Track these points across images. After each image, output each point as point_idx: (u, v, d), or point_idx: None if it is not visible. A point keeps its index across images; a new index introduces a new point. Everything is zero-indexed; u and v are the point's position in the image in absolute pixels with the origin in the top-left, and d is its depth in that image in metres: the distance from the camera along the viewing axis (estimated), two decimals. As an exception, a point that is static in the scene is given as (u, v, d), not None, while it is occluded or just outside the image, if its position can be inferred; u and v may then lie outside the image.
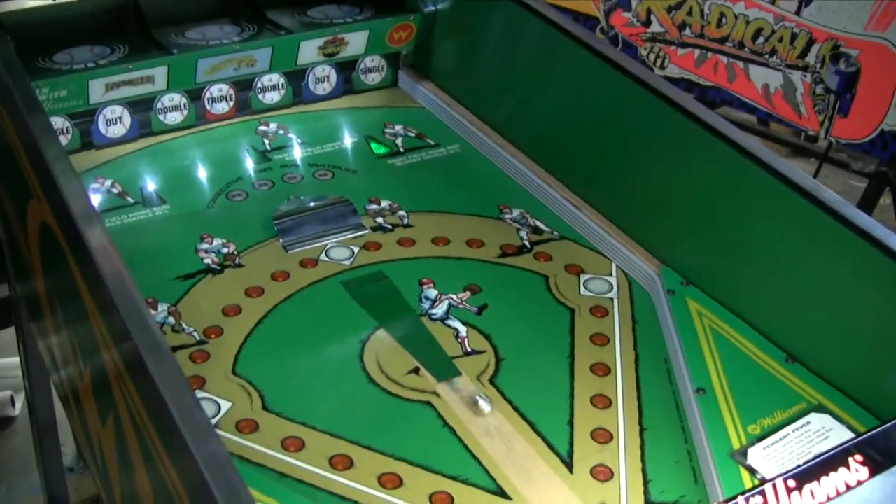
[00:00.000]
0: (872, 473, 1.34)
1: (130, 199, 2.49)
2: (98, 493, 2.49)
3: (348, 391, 1.97)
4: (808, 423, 1.84)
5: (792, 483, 1.31)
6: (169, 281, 2.20)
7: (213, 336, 2.06)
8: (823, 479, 1.33)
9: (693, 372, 1.95)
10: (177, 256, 2.29)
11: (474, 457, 1.80)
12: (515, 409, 1.90)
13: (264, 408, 1.89)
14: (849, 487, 1.32)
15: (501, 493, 1.73)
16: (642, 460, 1.81)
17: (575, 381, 1.98)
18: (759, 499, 1.28)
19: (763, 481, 1.35)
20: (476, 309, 2.15)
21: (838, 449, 1.39)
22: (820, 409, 1.88)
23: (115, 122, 2.69)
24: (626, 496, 1.74)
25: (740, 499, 1.29)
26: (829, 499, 1.30)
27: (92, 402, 1.85)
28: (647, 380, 1.99)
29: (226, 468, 1.30)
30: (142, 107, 2.72)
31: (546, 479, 1.77)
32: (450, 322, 2.11)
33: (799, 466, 1.35)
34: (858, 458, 1.36)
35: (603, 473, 1.78)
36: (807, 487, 1.31)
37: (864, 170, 3.87)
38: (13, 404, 3.82)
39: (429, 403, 1.92)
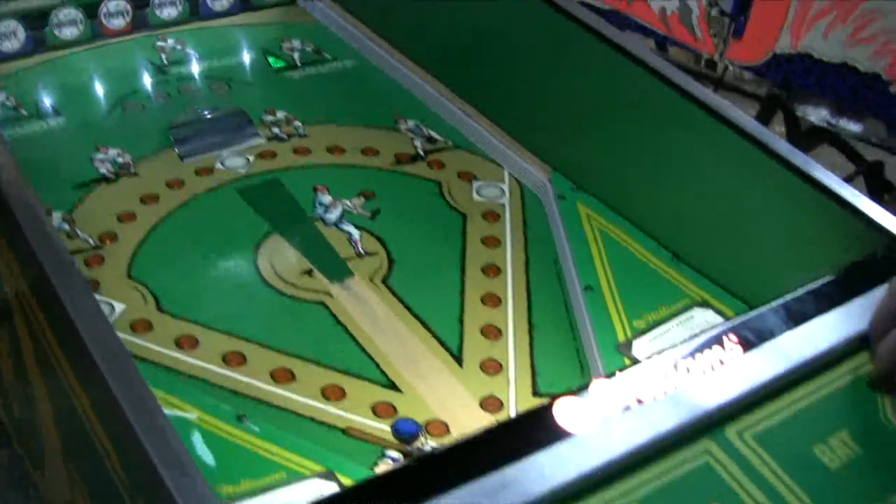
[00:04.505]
0: (745, 350, 1.39)
1: (25, 112, 2.47)
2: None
3: (242, 292, 1.98)
4: (692, 317, 1.90)
5: (670, 359, 1.35)
6: (64, 190, 2.19)
7: (107, 242, 2.06)
8: (699, 355, 1.37)
9: (581, 271, 1.99)
10: (72, 166, 2.27)
11: (366, 353, 1.83)
12: (407, 307, 1.93)
13: (158, 308, 1.90)
14: (722, 363, 1.37)
15: (393, 387, 1.77)
16: (531, 355, 1.85)
17: (466, 280, 2.01)
18: (637, 375, 1.32)
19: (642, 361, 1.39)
20: (369, 213, 2.17)
21: (715, 331, 1.43)
22: (703, 304, 1.94)
23: (8, 36, 2.64)
24: (514, 388, 1.78)
25: (619, 375, 1.33)
26: (703, 373, 1.35)
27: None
28: (537, 280, 2.03)
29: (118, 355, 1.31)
30: (36, 21, 2.68)
31: (436, 372, 1.80)
32: (343, 226, 2.12)
33: (676, 345, 1.39)
34: (733, 337, 1.41)
35: (492, 367, 1.82)
36: (682, 363, 1.35)
37: (756, 92, 3.93)
38: None
39: (322, 303, 1.94)
